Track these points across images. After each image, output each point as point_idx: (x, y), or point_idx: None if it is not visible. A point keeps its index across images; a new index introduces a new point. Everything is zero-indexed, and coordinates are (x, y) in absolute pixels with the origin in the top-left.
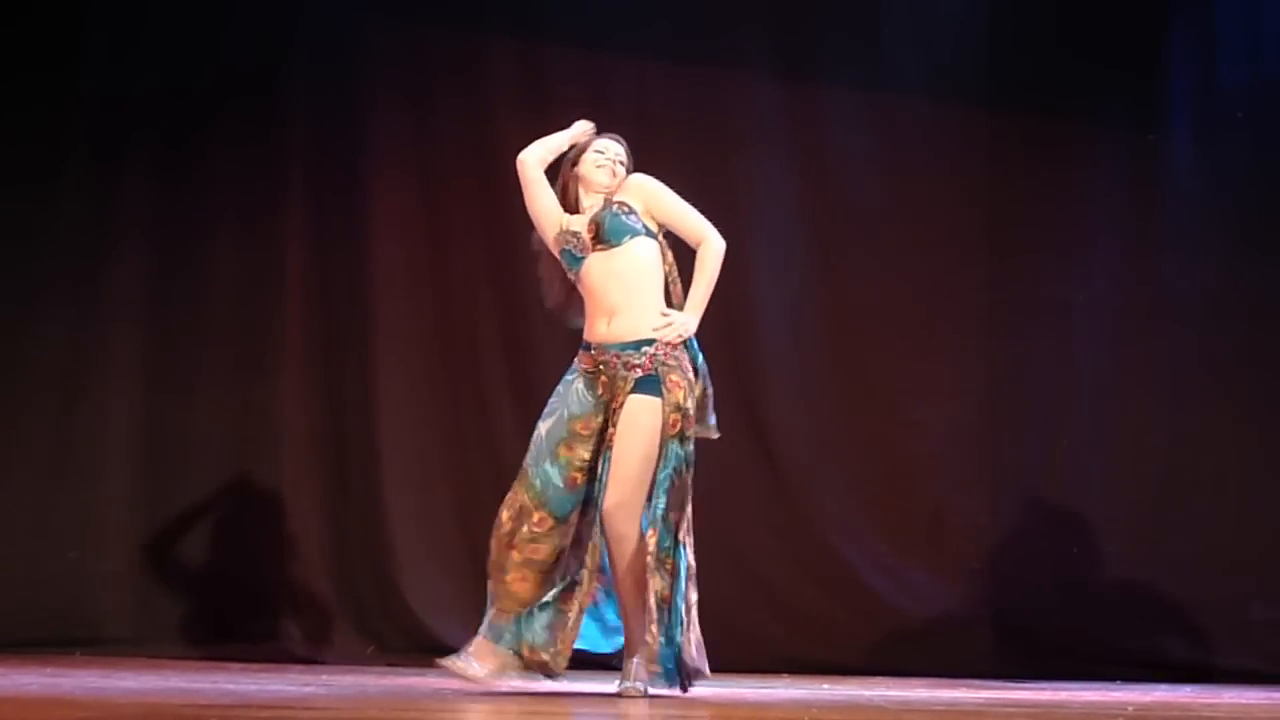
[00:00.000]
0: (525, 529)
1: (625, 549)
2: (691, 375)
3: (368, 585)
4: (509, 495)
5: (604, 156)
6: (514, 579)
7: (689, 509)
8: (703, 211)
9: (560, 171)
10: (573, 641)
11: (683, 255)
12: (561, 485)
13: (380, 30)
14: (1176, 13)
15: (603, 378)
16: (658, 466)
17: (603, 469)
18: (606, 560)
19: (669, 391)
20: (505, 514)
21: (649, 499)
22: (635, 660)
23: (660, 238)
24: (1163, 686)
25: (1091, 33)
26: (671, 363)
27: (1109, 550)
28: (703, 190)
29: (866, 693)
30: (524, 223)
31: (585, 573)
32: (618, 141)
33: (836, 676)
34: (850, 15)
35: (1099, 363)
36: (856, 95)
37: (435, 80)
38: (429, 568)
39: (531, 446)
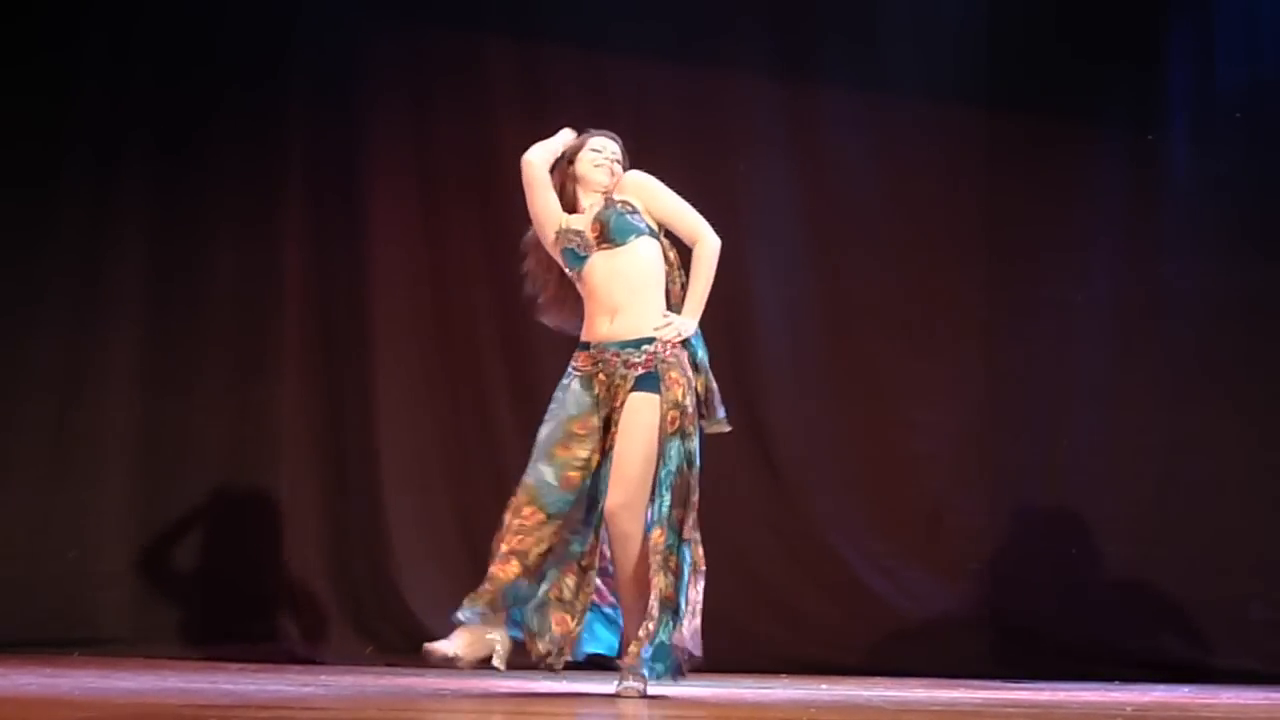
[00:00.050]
0: (516, 521)
1: (630, 549)
2: (691, 372)
3: (366, 585)
4: (516, 500)
5: (601, 155)
6: (498, 567)
7: (695, 506)
8: (702, 212)
9: (556, 171)
10: (575, 641)
11: (682, 253)
12: (555, 484)
13: (379, 30)
14: (1175, 13)
15: (600, 377)
16: (659, 465)
17: (605, 468)
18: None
19: (668, 389)
20: (506, 514)
21: (652, 498)
22: (626, 657)
23: (662, 237)
24: (1161, 687)
25: (1090, 33)
26: (671, 360)
27: (1108, 550)
28: (701, 190)
29: (865, 693)
30: (523, 222)
31: (592, 573)
32: (613, 139)
33: (835, 677)
34: (849, 15)
35: (1098, 363)
36: (855, 95)
37: (434, 80)
38: (428, 568)
39: (533, 450)
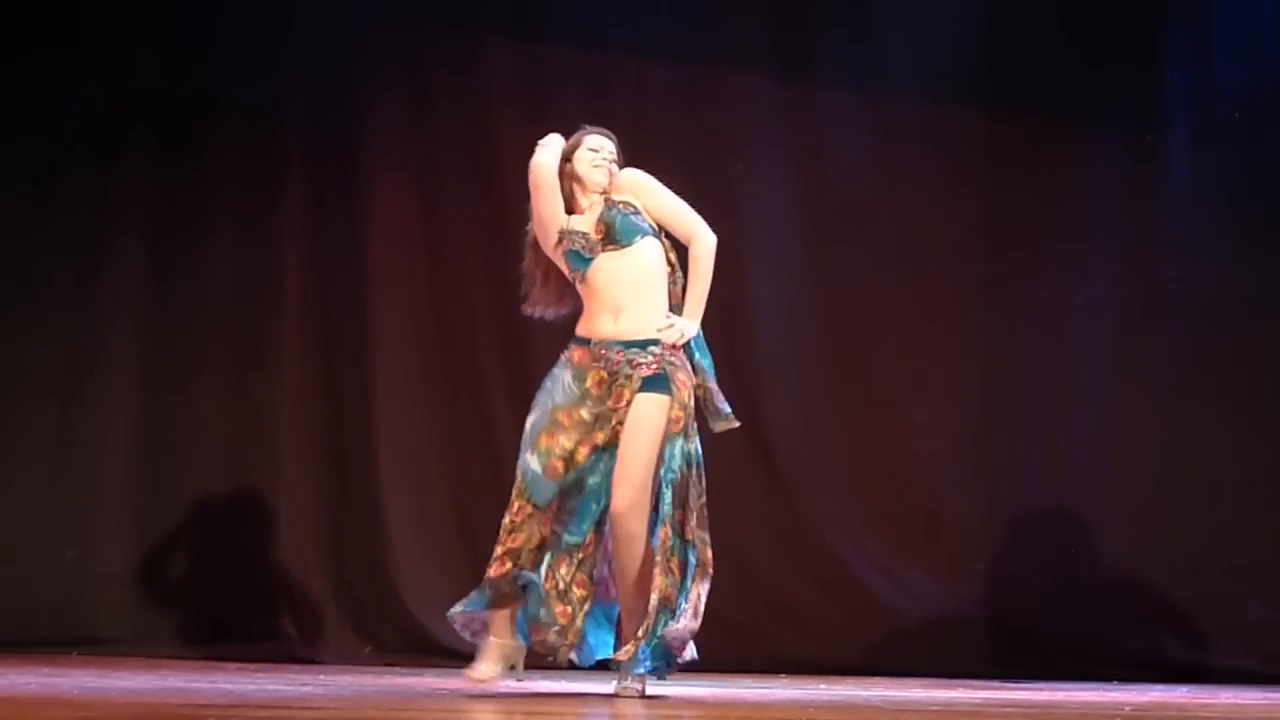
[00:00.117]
0: (507, 520)
1: (635, 550)
2: (691, 373)
3: (365, 585)
4: (509, 498)
5: (599, 156)
6: (495, 570)
7: (699, 507)
8: (701, 211)
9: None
10: (579, 633)
11: (681, 253)
12: (540, 472)
13: (378, 29)
14: (1174, 13)
15: (601, 374)
16: (662, 465)
17: (594, 463)
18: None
19: (677, 390)
20: (507, 514)
21: (655, 498)
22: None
23: (662, 237)
24: (1160, 687)
25: (1089, 33)
26: (677, 361)
27: (1106, 550)
28: (700, 190)
29: (863, 693)
30: (522, 222)
31: (587, 565)
32: (608, 137)
33: (833, 677)
34: (848, 15)
35: (1097, 363)
36: (854, 95)
37: (433, 79)
38: (426, 568)
39: (521, 442)
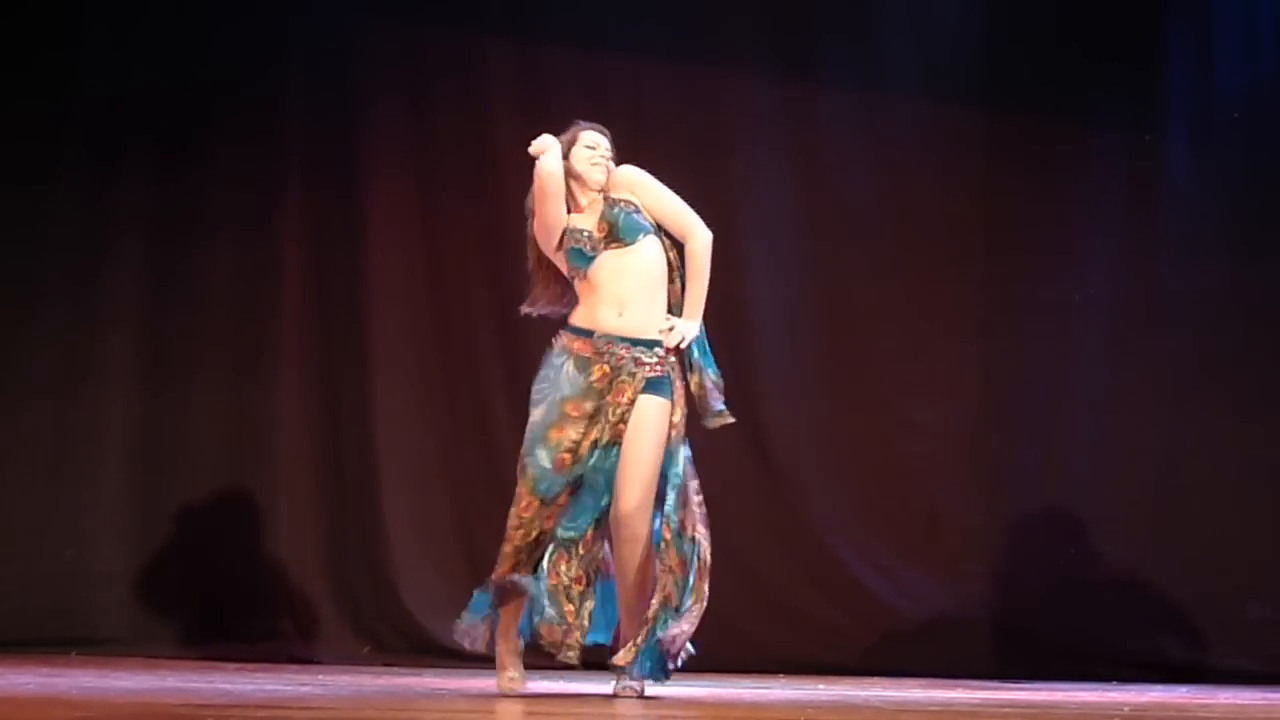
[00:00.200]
0: (514, 517)
1: (640, 550)
2: (689, 372)
3: (364, 585)
4: (516, 493)
5: (596, 153)
6: (503, 569)
7: (699, 504)
8: (700, 211)
9: None
10: (584, 630)
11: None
12: (549, 467)
13: (377, 30)
14: (1173, 13)
15: (604, 367)
16: (667, 465)
17: (595, 458)
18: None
19: (679, 395)
20: (514, 509)
21: (659, 499)
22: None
23: (662, 235)
24: (1159, 687)
25: (1088, 33)
26: (677, 365)
27: (1105, 550)
28: (699, 190)
29: (862, 693)
30: (522, 222)
31: (585, 559)
32: (603, 133)
33: (832, 677)
34: (847, 15)
35: (1096, 363)
36: (853, 95)
37: (432, 80)
38: (425, 568)
39: (526, 436)
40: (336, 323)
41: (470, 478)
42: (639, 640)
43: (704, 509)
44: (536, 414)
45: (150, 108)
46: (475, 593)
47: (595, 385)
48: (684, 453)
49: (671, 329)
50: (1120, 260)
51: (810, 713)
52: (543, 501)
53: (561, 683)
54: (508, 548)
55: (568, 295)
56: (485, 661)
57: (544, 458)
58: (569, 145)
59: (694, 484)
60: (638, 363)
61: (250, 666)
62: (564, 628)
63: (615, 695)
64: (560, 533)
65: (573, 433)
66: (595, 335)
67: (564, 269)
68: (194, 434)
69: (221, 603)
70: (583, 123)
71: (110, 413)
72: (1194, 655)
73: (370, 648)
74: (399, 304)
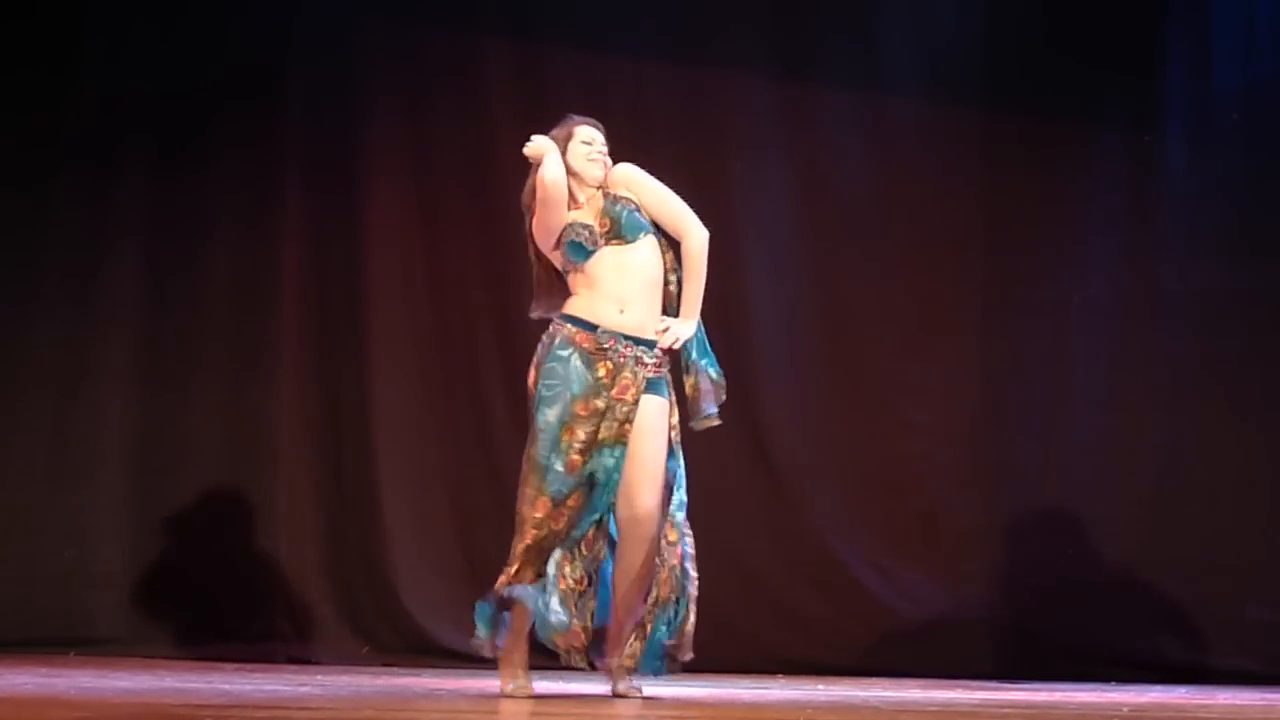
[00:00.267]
0: (526, 517)
1: (649, 550)
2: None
3: (363, 586)
4: (524, 493)
5: (593, 149)
6: (513, 569)
7: (685, 503)
8: (699, 212)
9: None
10: (590, 631)
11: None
12: (563, 469)
13: (376, 31)
14: (1172, 14)
15: (608, 363)
16: (672, 464)
17: (605, 460)
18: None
19: (674, 393)
20: (523, 509)
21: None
22: (621, 658)
23: (659, 236)
24: (1158, 687)
25: (1087, 34)
26: (669, 364)
27: (1104, 551)
28: (699, 190)
29: (861, 693)
30: (521, 223)
31: (587, 560)
32: (597, 127)
33: (831, 677)
34: (846, 16)
35: (1095, 363)
36: (853, 96)
37: (431, 81)
38: (424, 568)
39: (541, 436)
40: (336, 322)
41: (469, 478)
42: (638, 639)
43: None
44: (551, 414)
45: (150, 108)
46: (477, 605)
47: (602, 381)
48: (679, 452)
49: (666, 329)
50: (1119, 260)
51: (809, 713)
52: (554, 503)
53: (561, 683)
54: (520, 546)
55: (556, 287)
56: (484, 662)
57: (558, 461)
58: (565, 141)
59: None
60: (639, 362)
61: (249, 666)
62: (571, 632)
63: (615, 695)
64: (577, 533)
65: (581, 433)
66: (599, 330)
67: (558, 263)
68: (193, 434)
69: (220, 603)
70: (576, 117)
71: (109, 413)
72: (1193, 655)
73: (369, 648)
74: (398, 303)
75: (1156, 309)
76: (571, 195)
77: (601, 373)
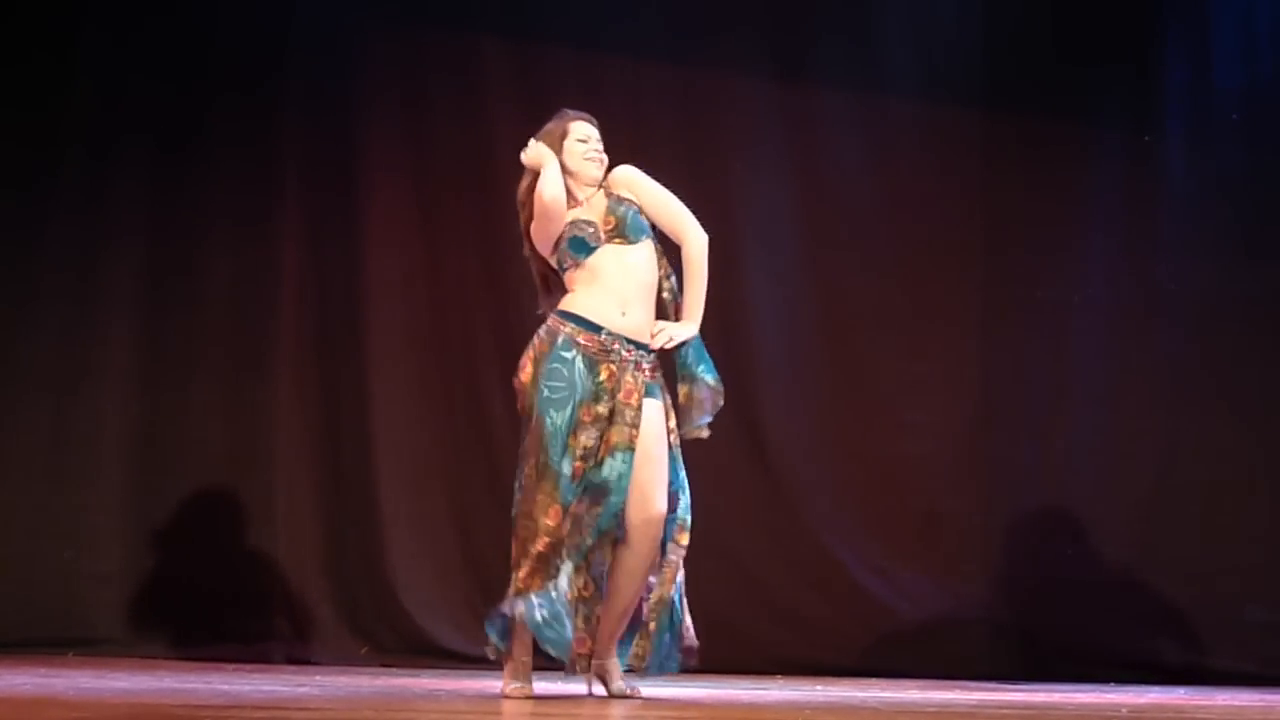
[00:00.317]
0: (538, 524)
1: (655, 552)
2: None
3: (362, 586)
4: (534, 498)
5: (589, 147)
6: (524, 576)
7: None
8: (697, 213)
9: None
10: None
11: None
12: (569, 475)
13: (375, 31)
14: (1171, 14)
15: (610, 366)
16: (676, 468)
17: (617, 465)
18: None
19: (668, 396)
20: (535, 514)
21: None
22: (617, 659)
23: (655, 242)
24: (1157, 688)
25: (1086, 34)
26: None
27: (1103, 552)
28: (698, 191)
29: (860, 694)
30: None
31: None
32: (591, 123)
33: (830, 678)
34: (845, 17)
35: (1094, 364)
36: (851, 96)
37: (430, 81)
38: (423, 569)
39: (547, 440)
40: (335, 322)
41: (468, 478)
42: (644, 639)
43: None
44: (558, 418)
45: (149, 108)
46: (487, 622)
47: (605, 385)
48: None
49: (661, 331)
50: (1119, 260)
51: (808, 713)
52: (564, 510)
53: (559, 684)
54: (532, 551)
55: (554, 285)
56: (482, 662)
57: (566, 466)
58: (559, 140)
59: None
60: (638, 366)
61: (247, 667)
62: (577, 640)
63: (615, 695)
64: (588, 541)
65: (585, 438)
66: (604, 333)
67: (555, 263)
68: (192, 434)
69: (219, 603)
70: (570, 112)
71: (108, 413)
72: (1192, 656)
73: (368, 648)
74: (397, 303)
75: (1156, 309)
76: (570, 193)
77: (603, 376)
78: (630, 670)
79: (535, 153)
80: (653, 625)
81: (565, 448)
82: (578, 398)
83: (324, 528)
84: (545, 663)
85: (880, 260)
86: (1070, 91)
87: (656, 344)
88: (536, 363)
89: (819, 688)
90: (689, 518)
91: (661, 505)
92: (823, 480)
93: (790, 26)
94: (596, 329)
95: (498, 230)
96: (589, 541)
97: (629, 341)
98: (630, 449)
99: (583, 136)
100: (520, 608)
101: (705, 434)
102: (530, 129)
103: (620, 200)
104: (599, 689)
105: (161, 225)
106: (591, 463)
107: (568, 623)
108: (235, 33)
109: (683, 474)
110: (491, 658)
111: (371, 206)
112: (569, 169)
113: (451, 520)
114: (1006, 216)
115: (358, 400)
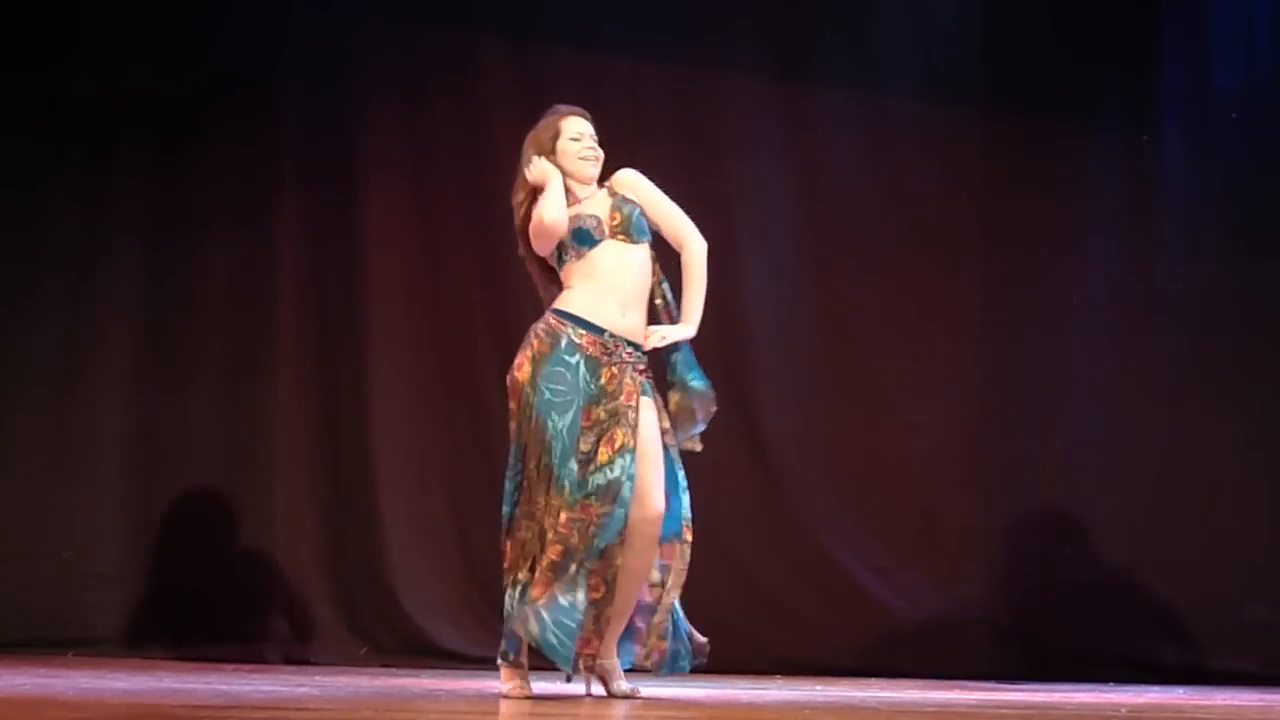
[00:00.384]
0: (547, 530)
1: (652, 552)
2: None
3: (361, 586)
4: (536, 501)
5: (582, 144)
6: (538, 592)
7: None
8: (696, 213)
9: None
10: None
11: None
12: (575, 479)
13: (374, 31)
14: (1170, 14)
15: (611, 369)
16: (676, 468)
17: (629, 466)
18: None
19: (659, 397)
20: (546, 520)
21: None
22: (617, 659)
23: (652, 249)
24: (1156, 688)
25: (1086, 34)
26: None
27: (1103, 552)
28: (697, 192)
29: (859, 694)
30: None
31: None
32: (585, 117)
33: (829, 678)
34: (844, 17)
35: (1093, 364)
36: (851, 97)
37: (429, 81)
38: (422, 569)
39: (550, 443)
40: (334, 323)
41: (467, 478)
42: (662, 640)
43: None
44: (561, 421)
45: (147, 108)
46: (506, 642)
47: (606, 388)
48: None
49: (653, 332)
50: (1118, 261)
51: (807, 713)
52: (572, 513)
53: (558, 684)
54: (545, 560)
55: (547, 277)
56: (482, 662)
57: (574, 469)
58: (552, 141)
59: None
60: (636, 368)
61: (247, 667)
62: (585, 638)
63: (614, 695)
64: (599, 544)
65: (584, 444)
66: (606, 335)
67: (552, 260)
68: (191, 435)
69: (218, 603)
70: (561, 107)
71: (107, 414)
72: (1191, 657)
73: (367, 649)
74: (396, 304)
75: (1155, 309)
76: (569, 191)
77: (604, 379)
78: (632, 670)
79: (540, 171)
80: (668, 625)
81: (569, 451)
82: (579, 402)
83: (323, 528)
84: (544, 663)
85: (880, 260)
86: (1070, 92)
87: (649, 344)
88: (535, 362)
89: (819, 688)
90: (690, 515)
91: (659, 504)
92: (823, 480)
93: (790, 26)
94: (599, 331)
95: (497, 230)
96: (604, 543)
97: (625, 340)
98: (633, 449)
99: (575, 134)
100: (533, 628)
101: (698, 446)
102: (529, 129)
103: (625, 200)
104: (598, 689)
105: (161, 225)
106: (593, 466)
107: (577, 636)
108: (235, 33)
109: (681, 474)
110: (500, 663)
111: (371, 206)
112: (565, 169)
113: (450, 520)
114: (1006, 216)
115: (357, 400)
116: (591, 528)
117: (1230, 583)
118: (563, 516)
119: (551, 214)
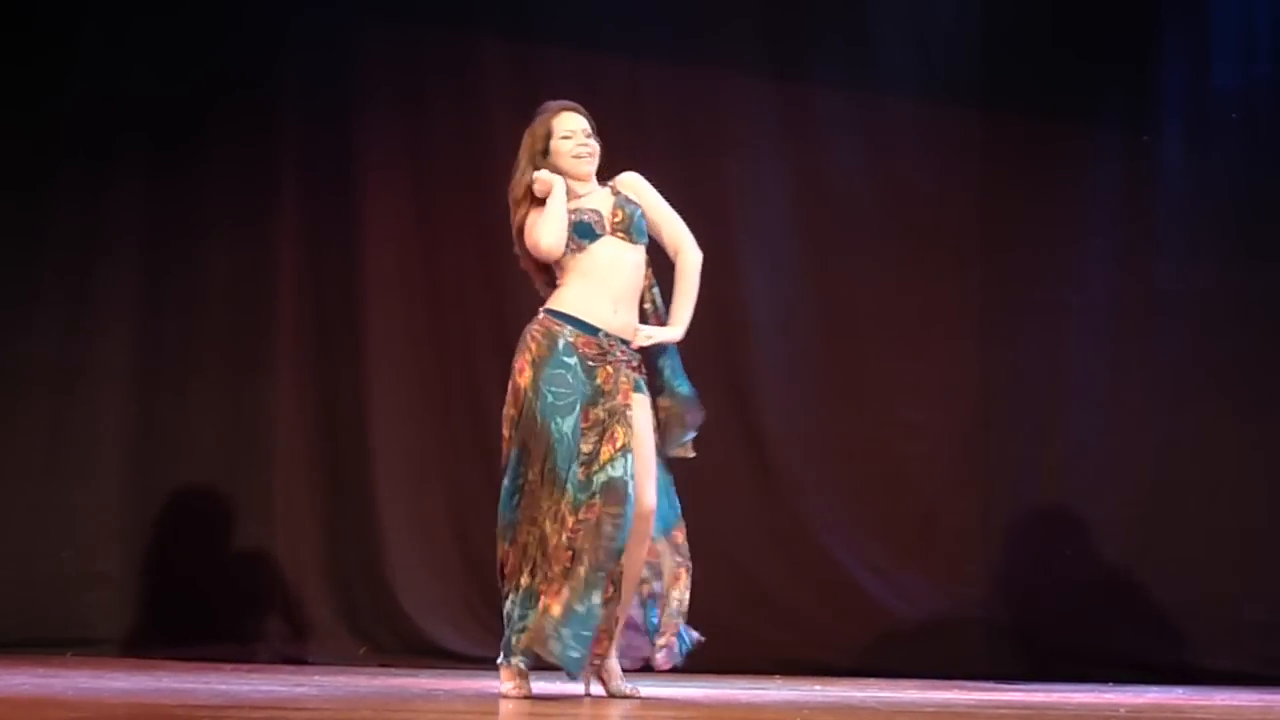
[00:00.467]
0: (555, 535)
1: (647, 548)
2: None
3: (360, 586)
4: (540, 505)
5: (575, 142)
6: (552, 598)
7: None
8: (695, 214)
9: (528, 162)
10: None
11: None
12: (579, 482)
13: (374, 31)
14: (1170, 14)
15: (606, 369)
16: (666, 466)
17: (630, 464)
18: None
19: (650, 394)
20: (545, 523)
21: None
22: (616, 659)
23: (648, 254)
24: (1155, 688)
25: (1085, 34)
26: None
27: (1102, 551)
28: (696, 192)
29: (858, 694)
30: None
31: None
32: (578, 112)
33: (828, 678)
34: (844, 16)
35: (1093, 364)
36: (850, 96)
37: (428, 81)
38: (421, 569)
39: (557, 447)
40: (333, 322)
41: (466, 478)
42: (671, 635)
43: None
44: (564, 424)
45: (146, 108)
46: (521, 655)
47: (603, 387)
48: None
49: (639, 330)
50: (1118, 261)
51: (807, 713)
52: (578, 517)
53: (558, 684)
54: (555, 569)
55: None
56: (481, 662)
57: (577, 472)
58: (545, 141)
59: None
60: (629, 365)
61: (246, 667)
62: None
63: (614, 695)
64: (616, 546)
65: (585, 445)
66: (600, 335)
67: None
68: (190, 434)
69: (217, 603)
70: (553, 103)
71: (106, 413)
72: (1190, 657)
73: (366, 648)
74: (395, 304)
75: (1154, 309)
76: (570, 192)
77: (600, 379)
78: (637, 670)
79: (542, 188)
80: (678, 621)
81: (572, 454)
82: (580, 404)
83: (322, 528)
84: (543, 663)
85: (879, 260)
86: (1069, 91)
87: (636, 343)
88: (535, 366)
89: (818, 688)
90: (679, 514)
91: (652, 500)
92: (821, 481)
93: (789, 26)
94: (593, 330)
95: (496, 230)
96: (619, 545)
97: (618, 339)
98: (633, 448)
99: (567, 132)
100: (554, 648)
101: (691, 453)
102: (527, 129)
103: (628, 200)
104: (598, 689)
105: (160, 225)
106: (596, 466)
107: (593, 640)
108: (234, 33)
109: (668, 476)
110: (499, 663)
111: (369, 207)
112: (560, 169)
113: (450, 520)
114: (1005, 216)
115: (355, 400)
116: (601, 529)
117: (1230, 583)
118: (569, 520)
119: (548, 240)
